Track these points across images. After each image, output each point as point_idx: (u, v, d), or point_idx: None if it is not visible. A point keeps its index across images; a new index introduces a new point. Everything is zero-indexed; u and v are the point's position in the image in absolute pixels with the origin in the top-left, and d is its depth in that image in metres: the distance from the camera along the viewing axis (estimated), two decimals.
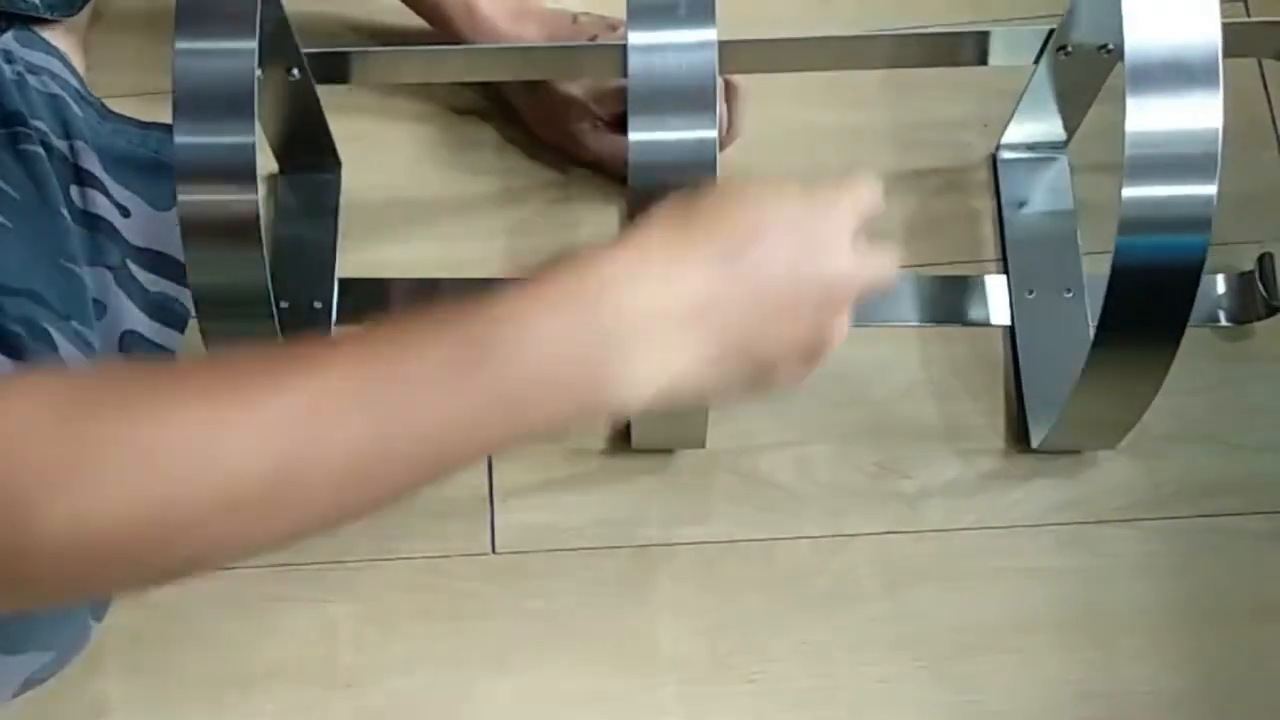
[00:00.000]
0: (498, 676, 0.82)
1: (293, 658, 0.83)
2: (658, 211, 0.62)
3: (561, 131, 0.93)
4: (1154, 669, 0.81)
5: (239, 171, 0.71)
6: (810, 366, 0.65)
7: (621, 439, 0.88)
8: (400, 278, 0.92)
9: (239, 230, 0.72)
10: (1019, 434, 0.87)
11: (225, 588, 0.84)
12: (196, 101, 0.70)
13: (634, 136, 0.69)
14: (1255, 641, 0.82)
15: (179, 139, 0.70)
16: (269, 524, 0.53)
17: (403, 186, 0.95)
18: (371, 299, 0.91)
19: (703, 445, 0.85)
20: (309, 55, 0.83)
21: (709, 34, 0.69)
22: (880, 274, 0.66)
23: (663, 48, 0.69)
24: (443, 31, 0.92)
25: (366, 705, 0.82)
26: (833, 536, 0.85)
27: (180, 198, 0.71)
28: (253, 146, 0.70)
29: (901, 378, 0.89)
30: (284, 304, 0.86)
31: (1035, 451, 0.86)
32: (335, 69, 0.85)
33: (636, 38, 0.69)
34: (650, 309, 0.58)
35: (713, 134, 0.68)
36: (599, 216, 0.94)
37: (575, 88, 0.90)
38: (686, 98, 0.69)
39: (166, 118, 0.98)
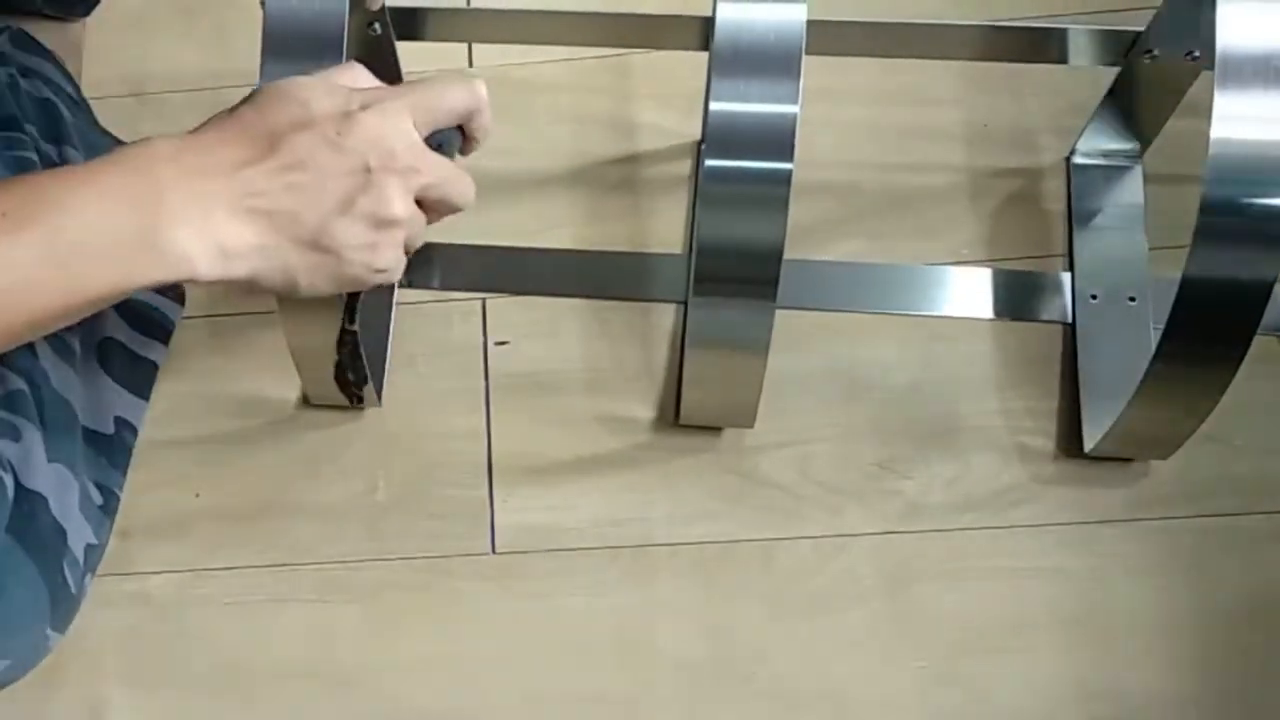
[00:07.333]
0: (498, 676, 0.82)
1: (293, 658, 0.83)
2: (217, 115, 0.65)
3: None
4: (1154, 669, 0.81)
5: None
6: (380, 256, 0.66)
7: (622, 440, 0.88)
8: (461, 244, 0.93)
9: None
10: (1018, 434, 0.87)
11: (225, 588, 0.85)
12: (285, 47, 0.70)
13: (714, 107, 0.68)
14: (1255, 641, 0.82)
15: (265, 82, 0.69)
16: None
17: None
18: (434, 263, 0.93)
19: (751, 425, 0.84)
20: (391, 11, 0.82)
21: (798, 9, 0.69)
22: (441, 175, 0.67)
23: (750, 21, 0.69)
24: None
25: (366, 705, 0.82)
26: (833, 536, 0.85)
27: None
28: None
29: (902, 377, 0.89)
30: None
31: (1036, 452, 0.86)
32: (417, 26, 0.85)
33: (725, 9, 0.69)
34: (191, 183, 0.61)
35: (794, 109, 0.68)
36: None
37: None
38: (770, 72, 0.68)
39: (160, 116, 0.98)
